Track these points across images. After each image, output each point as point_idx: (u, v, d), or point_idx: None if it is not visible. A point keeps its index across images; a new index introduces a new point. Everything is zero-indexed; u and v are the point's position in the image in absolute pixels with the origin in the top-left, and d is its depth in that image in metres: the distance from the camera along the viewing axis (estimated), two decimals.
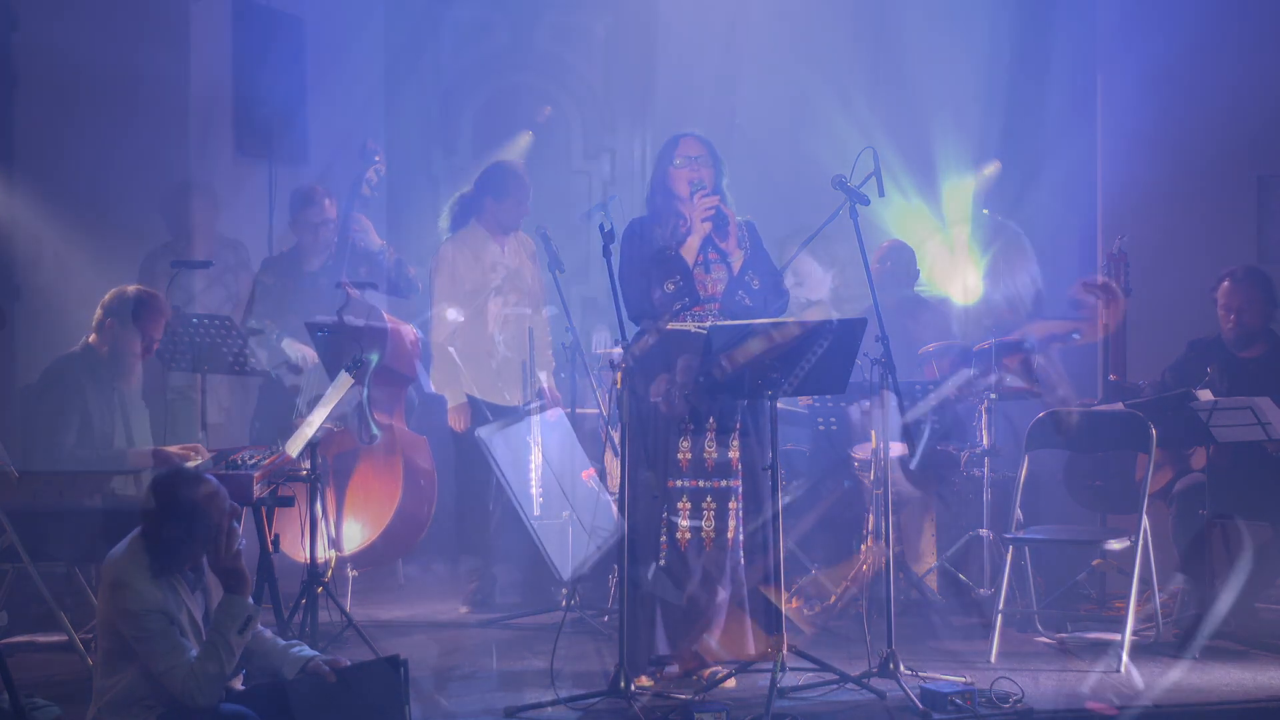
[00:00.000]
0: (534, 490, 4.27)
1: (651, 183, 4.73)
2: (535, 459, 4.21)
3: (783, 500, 4.25)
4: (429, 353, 5.85)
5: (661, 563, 4.40)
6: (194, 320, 5.60)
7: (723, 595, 4.39)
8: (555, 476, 4.23)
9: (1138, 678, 4.55)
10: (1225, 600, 3.30)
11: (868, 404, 4.39)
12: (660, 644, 4.39)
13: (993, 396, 5.19)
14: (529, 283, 5.87)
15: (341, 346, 5.04)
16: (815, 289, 4.71)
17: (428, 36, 7.15)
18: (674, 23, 7.33)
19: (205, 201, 6.25)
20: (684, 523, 4.45)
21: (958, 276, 5.26)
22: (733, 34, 7.36)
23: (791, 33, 7.39)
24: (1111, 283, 3.20)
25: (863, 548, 4.94)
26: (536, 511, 4.11)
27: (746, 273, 4.58)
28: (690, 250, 4.57)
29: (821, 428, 5.59)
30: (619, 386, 4.25)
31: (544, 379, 5.74)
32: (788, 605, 4.39)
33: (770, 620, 4.32)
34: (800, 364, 4.21)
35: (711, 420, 4.48)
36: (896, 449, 4.88)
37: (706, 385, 4.30)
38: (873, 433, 4.48)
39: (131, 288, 5.53)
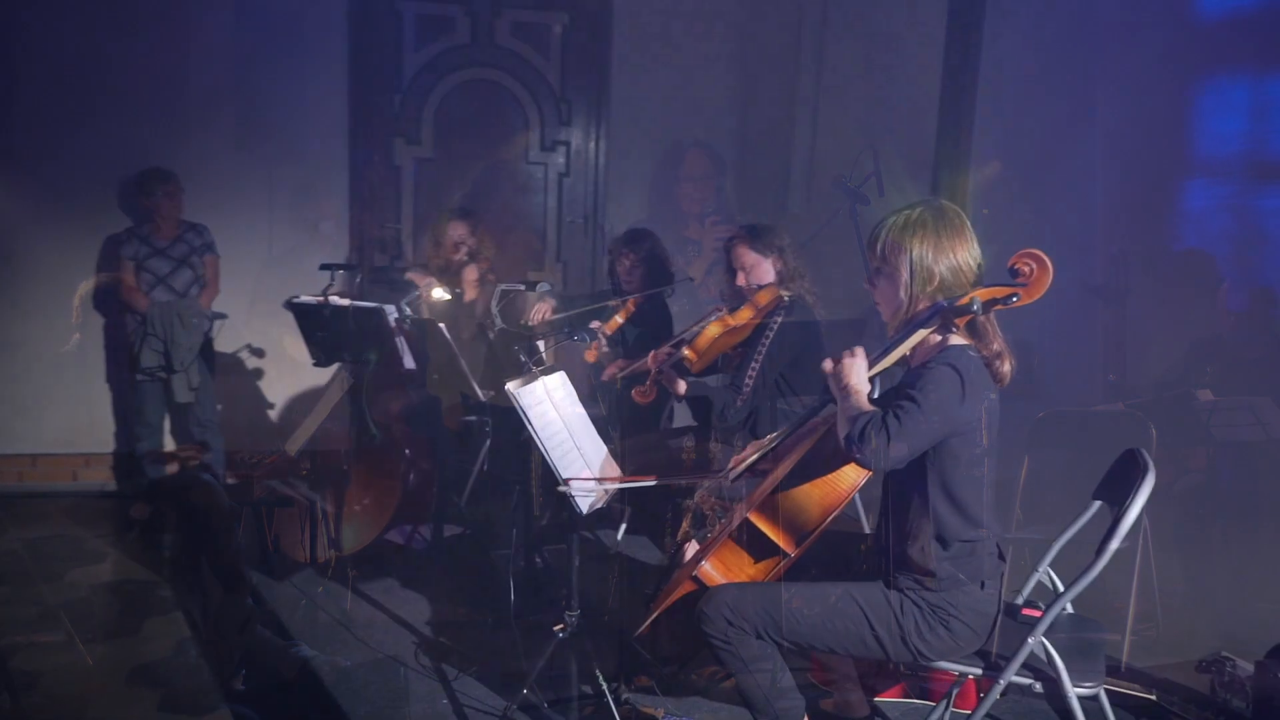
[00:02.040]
0: (557, 440, 4.31)
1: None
2: (553, 412, 4.25)
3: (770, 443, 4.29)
4: (424, 332, 5.92)
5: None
6: (155, 312, 5.62)
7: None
8: (568, 429, 4.26)
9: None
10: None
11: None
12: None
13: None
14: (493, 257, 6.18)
15: (326, 327, 5.02)
16: (763, 275, 4.83)
17: (390, 30, 7.41)
18: (629, 22, 7.63)
19: (168, 187, 6.33)
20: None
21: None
22: (689, 31, 7.57)
23: (781, 29, 7.45)
24: (1041, 254, 3.30)
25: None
26: (558, 456, 4.14)
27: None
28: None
29: None
30: (593, 364, 4.26)
31: (541, 346, 5.77)
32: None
33: (765, 549, 4.29)
34: (756, 349, 4.43)
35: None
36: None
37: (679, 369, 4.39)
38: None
39: (102, 276, 5.60)
